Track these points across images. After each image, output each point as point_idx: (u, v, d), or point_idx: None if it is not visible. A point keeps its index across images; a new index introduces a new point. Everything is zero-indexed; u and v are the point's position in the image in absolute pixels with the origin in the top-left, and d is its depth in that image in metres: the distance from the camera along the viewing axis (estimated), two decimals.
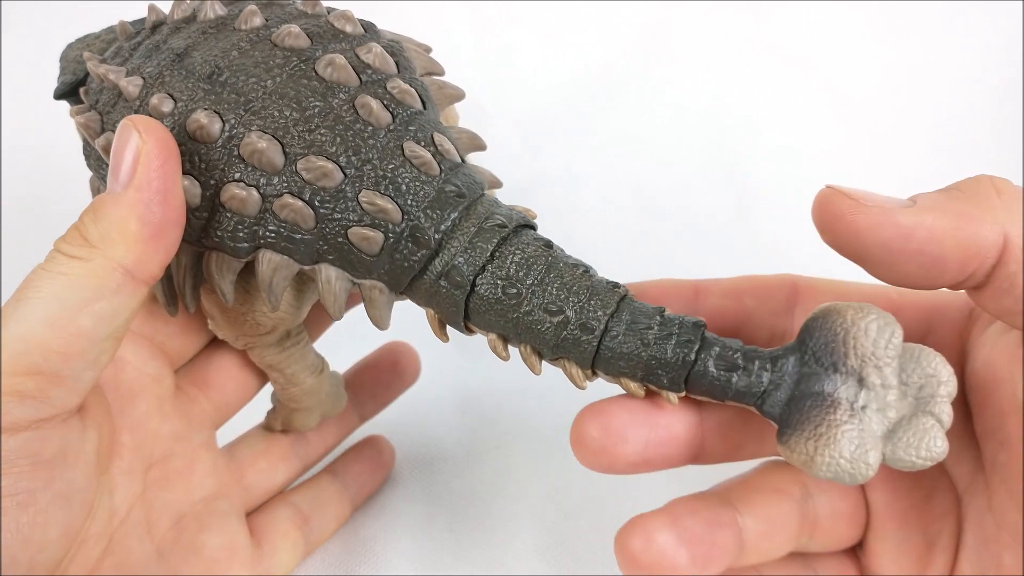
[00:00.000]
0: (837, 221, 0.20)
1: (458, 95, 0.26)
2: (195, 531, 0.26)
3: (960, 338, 0.24)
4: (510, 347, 0.24)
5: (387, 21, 0.27)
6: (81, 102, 0.27)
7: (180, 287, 0.25)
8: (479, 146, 0.26)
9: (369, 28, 0.25)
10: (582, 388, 0.23)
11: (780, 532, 0.25)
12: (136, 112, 0.23)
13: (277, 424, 0.31)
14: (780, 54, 0.45)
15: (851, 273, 0.25)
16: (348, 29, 0.24)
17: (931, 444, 0.21)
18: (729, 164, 0.45)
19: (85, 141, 0.26)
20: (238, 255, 0.23)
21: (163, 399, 0.26)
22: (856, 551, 0.27)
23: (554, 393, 0.39)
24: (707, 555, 0.23)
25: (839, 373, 0.21)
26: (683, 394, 0.23)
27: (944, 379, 0.21)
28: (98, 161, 0.25)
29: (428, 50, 0.27)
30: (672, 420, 0.23)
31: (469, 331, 0.24)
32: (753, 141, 0.46)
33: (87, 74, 0.27)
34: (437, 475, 0.35)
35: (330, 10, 0.25)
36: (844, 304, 0.22)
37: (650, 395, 0.23)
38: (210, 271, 0.24)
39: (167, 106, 0.23)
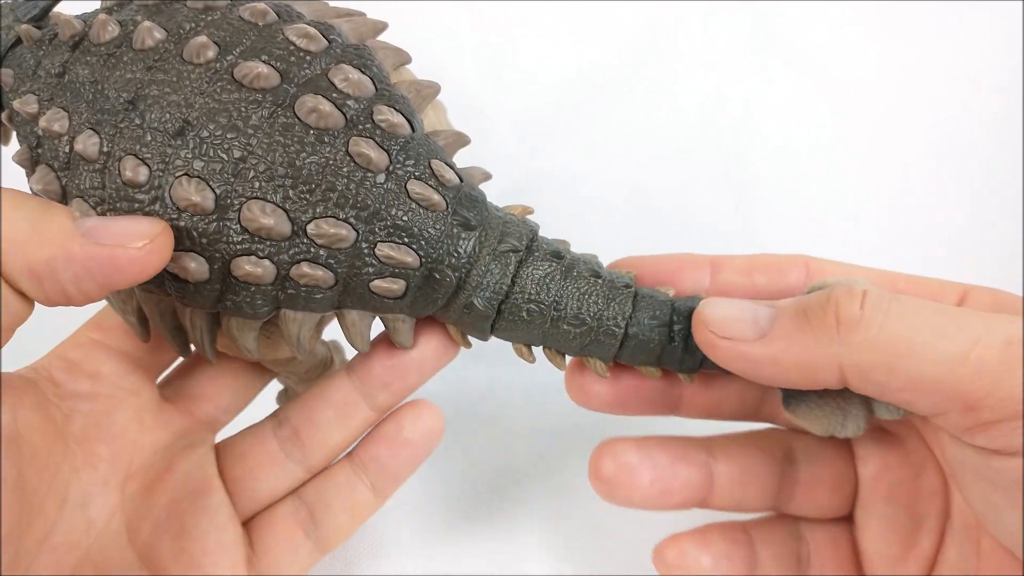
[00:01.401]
0: (708, 350, 0.23)
1: (434, 91, 0.25)
2: (178, 533, 0.26)
3: None
4: (534, 349, 0.25)
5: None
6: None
7: (199, 345, 0.24)
8: (464, 143, 0.25)
9: (328, 33, 0.23)
10: (605, 377, 0.26)
11: (754, 483, 0.27)
12: (103, 175, 0.21)
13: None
14: (779, 53, 0.45)
15: (865, 258, 0.26)
16: (312, 48, 0.22)
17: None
18: (727, 164, 0.45)
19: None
20: (258, 318, 0.23)
21: (143, 411, 0.26)
22: (852, 530, 0.27)
23: (554, 393, 0.39)
24: (668, 483, 0.26)
25: None
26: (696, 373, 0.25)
27: None
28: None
29: (384, 27, 0.25)
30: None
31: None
32: (751, 141, 0.45)
33: None
34: (436, 474, 0.35)
35: (279, 12, 0.23)
36: (835, 281, 0.23)
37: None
38: (231, 334, 0.23)
39: (142, 175, 0.21)
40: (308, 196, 0.21)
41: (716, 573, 0.27)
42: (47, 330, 0.27)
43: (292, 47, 0.22)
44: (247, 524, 0.27)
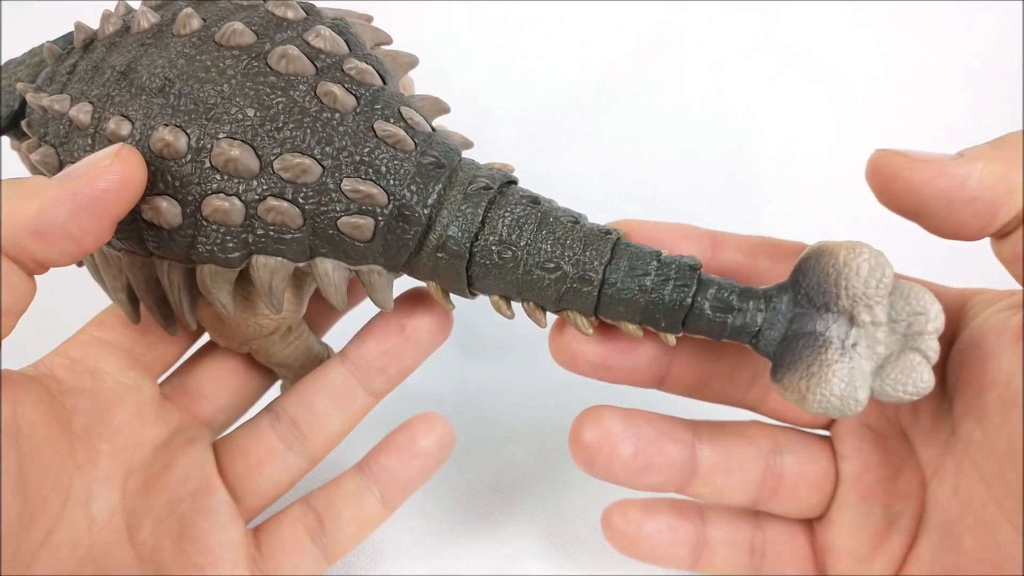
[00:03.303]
0: (894, 179, 0.21)
1: (412, 62, 0.26)
2: (178, 534, 0.26)
3: (950, 326, 0.24)
4: (513, 304, 0.25)
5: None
6: (23, 134, 0.26)
7: (177, 307, 0.25)
8: (443, 109, 0.26)
9: (310, 10, 0.25)
10: (588, 334, 0.24)
11: (737, 472, 0.26)
12: (93, 139, 0.23)
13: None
14: (784, 56, 0.45)
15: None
16: (290, 15, 0.24)
17: (918, 379, 0.22)
18: (732, 166, 0.45)
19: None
20: (231, 265, 0.23)
21: (144, 407, 0.26)
22: (813, 525, 0.27)
23: (553, 393, 0.39)
24: (652, 458, 0.25)
25: (831, 312, 0.22)
26: (680, 334, 0.24)
27: (932, 315, 0.22)
28: None
29: (369, 19, 0.26)
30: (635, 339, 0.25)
31: (472, 295, 0.25)
32: (756, 143, 0.46)
33: (22, 103, 0.26)
34: (436, 474, 0.35)
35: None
36: (836, 243, 0.22)
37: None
38: (205, 285, 0.24)
39: (124, 128, 0.22)
40: (275, 134, 0.22)
41: (657, 542, 0.27)
42: (54, 334, 0.27)
43: (271, 15, 0.24)
44: (255, 527, 0.27)
